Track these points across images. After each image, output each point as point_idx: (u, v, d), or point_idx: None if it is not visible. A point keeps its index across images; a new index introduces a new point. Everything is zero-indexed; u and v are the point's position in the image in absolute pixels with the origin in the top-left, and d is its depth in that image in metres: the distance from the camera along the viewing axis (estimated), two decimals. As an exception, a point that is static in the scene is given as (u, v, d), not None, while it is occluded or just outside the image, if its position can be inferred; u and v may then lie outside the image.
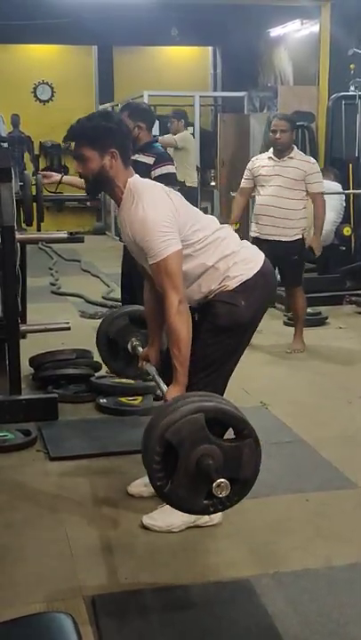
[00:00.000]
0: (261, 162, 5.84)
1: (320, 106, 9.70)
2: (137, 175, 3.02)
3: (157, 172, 4.68)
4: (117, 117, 3.07)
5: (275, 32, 11.83)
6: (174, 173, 4.88)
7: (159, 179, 4.59)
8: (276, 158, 5.73)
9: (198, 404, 2.46)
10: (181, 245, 2.89)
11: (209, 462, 2.38)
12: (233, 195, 8.44)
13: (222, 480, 2.34)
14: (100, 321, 3.79)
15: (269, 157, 5.78)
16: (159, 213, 2.86)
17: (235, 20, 11.94)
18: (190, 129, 11.26)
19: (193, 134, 11.26)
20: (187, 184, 9.74)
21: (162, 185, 3.09)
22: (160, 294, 2.92)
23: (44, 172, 5.03)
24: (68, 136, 3.01)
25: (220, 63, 14.10)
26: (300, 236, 5.73)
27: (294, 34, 11.37)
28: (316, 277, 7.63)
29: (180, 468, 2.41)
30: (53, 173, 5.06)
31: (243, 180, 5.97)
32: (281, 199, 5.66)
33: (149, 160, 4.71)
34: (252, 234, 5.85)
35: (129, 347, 3.56)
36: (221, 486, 2.34)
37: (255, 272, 3.05)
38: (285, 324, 6.38)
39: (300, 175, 5.63)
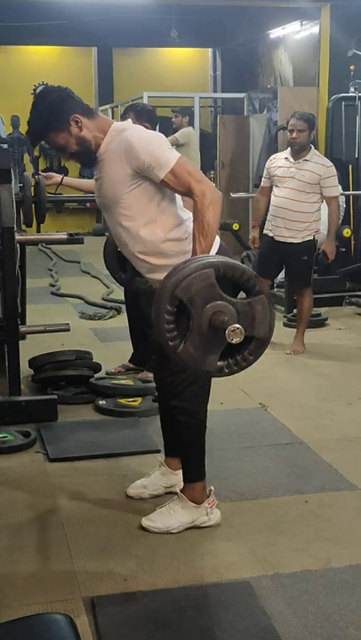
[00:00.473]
0: (278, 162, 5.81)
1: (320, 107, 9.69)
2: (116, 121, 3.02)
3: None
4: (50, 88, 2.97)
5: (274, 33, 11.83)
6: None
7: None
8: (292, 159, 5.70)
9: (207, 261, 2.42)
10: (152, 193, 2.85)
11: (223, 318, 2.33)
12: (233, 196, 8.47)
13: (237, 325, 2.28)
14: (107, 237, 3.71)
15: (286, 158, 5.76)
16: (154, 133, 2.91)
17: (234, 21, 11.96)
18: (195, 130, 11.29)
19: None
20: None
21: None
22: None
23: (46, 174, 5.02)
24: (31, 141, 2.99)
25: (219, 65, 14.11)
26: (312, 238, 5.72)
27: (294, 35, 11.37)
28: (317, 279, 7.61)
29: (192, 327, 2.35)
30: (54, 174, 5.05)
31: (262, 180, 5.98)
32: (294, 202, 5.64)
33: None
34: (267, 232, 5.86)
35: None
36: (236, 332, 2.29)
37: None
38: (285, 325, 6.38)
39: (315, 179, 5.60)
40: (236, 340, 2.31)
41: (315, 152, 5.77)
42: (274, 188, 5.81)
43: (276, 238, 5.76)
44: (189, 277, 2.35)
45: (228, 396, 4.59)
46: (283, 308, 6.77)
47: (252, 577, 2.79)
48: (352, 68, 8.90)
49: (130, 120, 3.00)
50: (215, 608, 2.65)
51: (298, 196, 5.63)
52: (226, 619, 2.59)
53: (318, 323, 6.56)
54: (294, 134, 5.63)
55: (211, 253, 2.77)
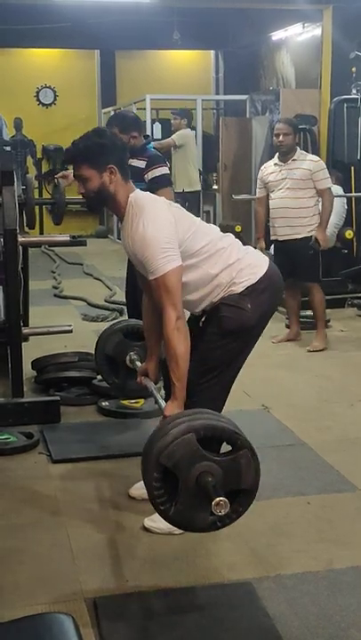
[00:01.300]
0: (268, 169, 6.06)
1: (322, 109, 9.70)
2: (138, 190, 3.05)
3: (150, 174, 4.69)
4: (110, 133, 3.10)
5: (277, 35, 11.83)
6: (167, 174, 4.88)
7: (152, 181, 4.62)
8: (281, 163, 5.93)
9: (187, 425, 2.47)
10: (182, 258, 2.91)
11: (208, 479, 2.39)
12: (235, 198, 8.48)
13: (221, 498, 2.35)
14: (97, 340, 3.81)
15: (275, 164, 6.00)
16: (159, 230, 2.88)
17: (237, 23, 11.96)
18: (192, 132, 11.29)
19: (195, 137, 11.28)
20: (186, 190, 9.73)
21: (162, 199, 3.11)
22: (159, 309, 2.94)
23: (63, 173, 5.04)
24: (65, 160, 3.10)
25: (222, 67, 14.11)
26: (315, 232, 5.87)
27: (296, 37, 11.37)
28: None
29: (181, 490, 2.43)
30: (69, 173, 5.06)
31: (257, 191, 6.19)
32: (292, 200, 5.84)
33: (141, 164, 4.71)
34: (272, 237, 6.06)
35: (127, 361, 3.58)
36: (220, 504, 2.35)
37: (260, 276, 3.06)
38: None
39: (306, 174, 5.80)
40: (222, 512, 2.37)
41: (301, 152, 6.00)
42: (271, 194, 6.01)
43: (281, 238, 5.94)
44: (172, 444, 2.41)
45: (230, 397, 4.55)
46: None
47: (254, 578, 2.79)
48: (354, 69, 8.90)
49: (140, 196, 3.02)
50: (217, 609, 2.66)
51: (294, 194, 5.84)
52: (228, 619, 2.60)
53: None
54: (281, 138, 5.89)
55: (186, 372, 2.88)
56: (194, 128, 11.37)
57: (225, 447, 2.56)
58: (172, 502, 2.45)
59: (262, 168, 6.20)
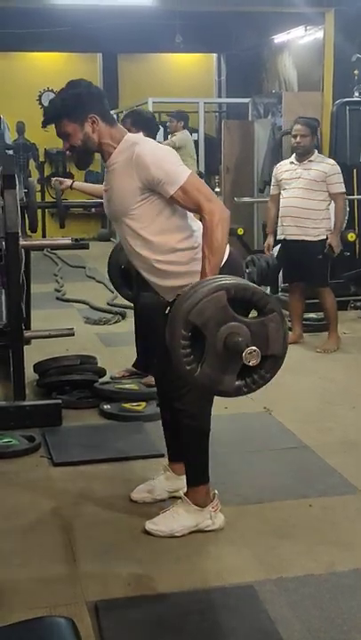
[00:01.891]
0: (284, 167, 6.04)
1: (324, 111, 9.69)
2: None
3: None
4: (86, 83, 3.01)
5: (279, 38, 11.84)
6: None
7: None
8: (297, 162, 5.91)
9: (218, 283, 2.44)
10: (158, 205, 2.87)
11: (238, 339, 2.35)
12: (237, 201, 8.48)
13: (253, 348, 2.31)
14: (111, 251, 3.73)
15: (291, 162, 5.98)
16: (166, 148, 2.92)
17: (239, 26, 11.98)
18: (195, 135, 11.31)
19: (197, 140, 11.29)
20: None
21: None
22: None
23: (59, 179, 5.05)
24: (44, 120, 3.00)
25: (224, 70, 14.12)
26: (325, 237, 5.85)
27: (298, 40, 11.39)
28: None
29: (208, 350, 2.37)
30: (65, 179, 5.07)
31: (271, 188, 6.18)
32: (303, 200, 5.82)
33: None
34: (279, 236, 6.05)
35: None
36: (253, 354, 2.32)
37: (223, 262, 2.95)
38: (289, 329, 6.37)
39: (321, 176, 5.79)
40: (253, 363, 2.36)
41: (318, 154, 5.97)
42: (282, 192, 5.99)
43: (288, 237, 5.95)
44: (202, 302, 2.38)
45: (232, 400, 4.53)
46: (287, 313, 6.76)
47: (256, 581, 2.78)
48: (356, 72, 8.91)
49: (140, 134, 3.01)
50: (219, 612, 2.65)
51: (306, 194, 5.80)
52: (230, 623, 2.60)
53: (323, 327, 6.55)
54: (298, 139, 5.86)
55: (221, 264, 2.80)
56: (195, 130, 11.39)
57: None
58: (198, 362, 2.39)
59: (278, 166, 6.19)
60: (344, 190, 5.93)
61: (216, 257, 2.78)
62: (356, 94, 8.47)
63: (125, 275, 3.63)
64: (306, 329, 6.32)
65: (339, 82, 9.65)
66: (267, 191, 9.63)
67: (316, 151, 5.97)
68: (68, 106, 2.91)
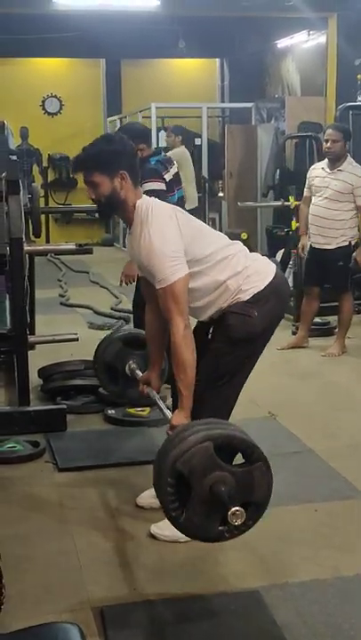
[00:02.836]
0: (316, 172, 6.02)
1: (328, 116, 9.71)
2: (145, 196, 3.05)
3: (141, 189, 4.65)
4: (120, 138, 3.08)
5: (282, 43, 11.86)
6: (160, 190, 4.59)
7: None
8: (328, 169, 5.87)
9: (205, 433, 2.48)
10: (188, 265, 2.91)
11: (222, 489, 2.40)
12: (241, 205, 8.48)
13: (237, 508, 2.36)
14: (96, 349, 3.81)
15: (323, 168, 5.95)
16: (166, 240, 2.89)
17: (242, 31, 11.99)
18: (198, 140, 11.32)
19: (201, 145, 11.30)
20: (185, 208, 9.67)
21: (168, 205, 3.11)
22: (164, 319, 2.95)
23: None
24: (75, 167, 3.06)
25: (227, 75, 14.14)
26: (347, 244, 5.85)
27: (301, 45, 11.40)
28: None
29: (193, 497, 2.43)
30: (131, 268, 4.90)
31: (305, 190, 6.15)
32: (328, 210, 5.82)
33: None
34: (309, 241, 6.07)
35: (127, 370, 3.57)
36: (237, 514, 2.37)
37: (267, 283, 3.06)
38: (294, 333, 6.37)
39: (347, 188, 5.75)
40: (238, 522, 2.39)
41: (350, 162, 5.88)
42: (313, 198, 5.98)
43: (314, 245, 5.99)
44: (189, 452, 2.42)
45: (237, 405, 4.54)
46: (291, 317, 6.76)
47: (262, 586, 2.78)
48: (359, 77, 8.92)
49: (148, 202, 3.02)
50: (225, 617, 2.64)
51: (331, 205, 5.80)
52: (236, 628, 2.59)
53: (327, 331, 6.55)
54: (329, 144, 5.82)
55: (193, 382, 2.91)
56: (197, 134, 11.39)
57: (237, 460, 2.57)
58: (183, 509, 2.44)
59: (311, 168, 6.17)
60: None
61: (187, 375, 2.88)
62: (360, 99, 8.47)
63: (111, 371, 3.68)
64: (311, 333, 6.32)
65: (342, 86, 9.68)
66: (270, 196, 9.66)
67: (349, 156, 5.89)
68: (101, 160, 2.95)
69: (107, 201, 2.98)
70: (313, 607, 2.66)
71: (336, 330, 6.55)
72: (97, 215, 3.23)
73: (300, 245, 6.30)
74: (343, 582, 2.82)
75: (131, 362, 3.57)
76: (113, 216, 3.15)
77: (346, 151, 5.88)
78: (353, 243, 5.87)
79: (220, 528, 2.47)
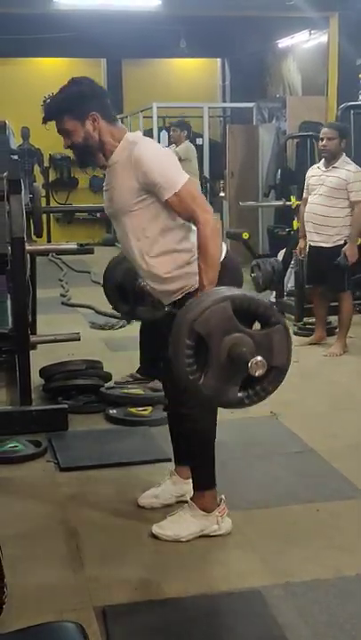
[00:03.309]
0: (312, 172, 6.07)
1: (329, 116, 9.70)
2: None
3: None
4: (88, 81, 3.03)
5: (283, 43, 11.86)
6: None
7: None
8: (323, 167, 5.90)
9: (224, 294, 2.44)
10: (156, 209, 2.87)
11: (242, 349, 2.35)
12: (242, 205, 8.48)
13: (259, 358, 2.31)
14: (106, 268, 3.77)
15: (318, 167, 5.99)
16: (165, 150, 2.92)
17: (243, 31, 12.00)
18: (199, 140, 11.31)
19: (202, 145, 11.29)
20: None
21: None
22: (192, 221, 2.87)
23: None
24: (45, 116, 2.99)
25: (228, 74, 14.14)
26: (343, 242, 5.85)
27: (303, 44, 11.40)
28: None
29: (212, 360, 2.37)
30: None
31: (303, 191, 6.18)
32: (323, 207, 5.83)
33: None
34: (307, 240, 6.08)
35: (137, 287, 3.53)
36: (259, 364, 2.31)
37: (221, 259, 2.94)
38: (295, 333, 6.36)
39: (342, 184, 5.75)
40: (259, 373, 2.36)
41: (345, 159, 5.88)
42: (309, 197, 6.00)
43: (311, 243, 6.00)
44: (207, 311, 2.38)
45: (238, 404, 4.59)
46: (293, 317, 6.77)
47: (264, 586, 2.78)
48: (361, 76, 8.92)
49: (139, 133, 3.00)
50: (226, 617, 2.64)
51: (326, 202, 5.80)
52: (237, 628, 2.59)
53: (329, 331, 6.54)
54: (324, 142, 5.83)
55: (216, 276, 2.78)
56: (198, 134, 11.39)
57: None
58: (201, 372, 2.39)
59: (309, 170, 6.21)
60: None
61: (213, 269, 2.79)
62: (361, 98, 8.48)
63: (121, 290, 3.65)
64: (311, 333, 6.32)
65: (343, 86, 9.67)
66: (271, 195, 9.67)
67: (344, 155, 5.90)
68: (69, 102, 2.92)
69: (82, 146, 2.94)
70: (314, 607, 2.66)
71: (337, 330, 6.56)
72: (77, 163, 3.14)
73: (298, 248, 6.30)
74: (345, 582, 2.82)
75: (140, 279, 3.53)
76: (92, 160, 3.06)
77: (341, 149, 5.87)
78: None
79: (239, 394, 2.43)
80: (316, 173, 5.96)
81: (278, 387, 2.49)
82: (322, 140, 5.86)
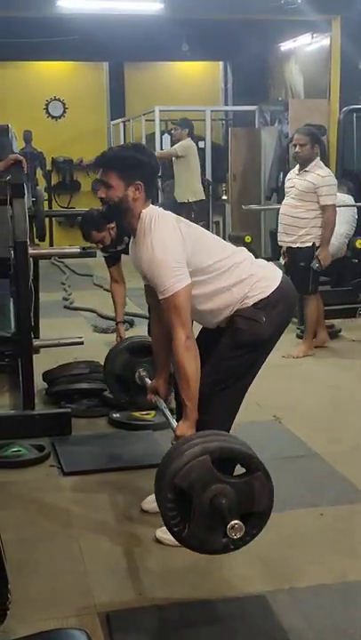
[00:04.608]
0: (289, 175, 6.19)
1: (331, 118, 9.72)
2: (151, 206, 3.04)
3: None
4: (149, 152, 3.10)
5: (285, 46, 11.87)
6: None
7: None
8: (297, 171, 5.99)
9: (202, 447, 2.48)
10: (192, 275, 2.91)
11: (222, 501, 2.40)
12: (244, 208, 8.48)
13: (236, 522, 2.37)
14: (105, 359, 3.86)
15: (293, 171, 6.09)
16: (168, 251, 2.89)
17: (245, 34, 11.99)
18: (202, 143, 11.31)
19: (204, 148, 11.29)
20: (191, 200, 9.68)
21: (172, 215, 3.09)
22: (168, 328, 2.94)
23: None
24: (97, 161, 3.04)
25: (230, 77, 14.15)
26: (310, 245, 5.86)
27: (305, 47, 11.41)
28: (329, 290, 7.61)
29: (194, 511, 2.43)
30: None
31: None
32: (291, 208, 5.92)
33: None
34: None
35: (137, 378, 3.62)
36: (235, 528, 2.37)
37: (274, 289, 3.05)
38: (298, 336, 6.36)
39: (310, 188, 5.81)
40: (237, 536, 2.40)
41: (318, 164, 5.94)
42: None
43: (281, 244, 6.08)
44: (187, 466, 2.43)
45: (242, 408, 4.53)
46: (296, 320, 6.75)
47: (268, 591, 2.77)
48: (363, 79, 8.91)
49: (153, 214, 3.01)
50: (231, 622, 2.64)
51: (295, 204, 5.90)
52: (241, 633, 2.59)
53: (331, 334, 6.54)
54: (297, 148, 5.93)
55: (196, 393, 2.89)
56: (201, 137, 11.39)
57: (238, 471, 2.57)
58: (185, 524, 2.45)
59: (288, 174, 6.32)
60: (333, 202, 5.88)
61: (190, 390, 2.87)
62: (363, 101, 8.48)
63: (120, 381, 3.73)
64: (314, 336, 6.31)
65: (345, 89, 9.69)
66: (274, 198, 9.67)
67: (318, 159, 5.95)
68: (124, 162, 2.96)
69: (115, 205, 2.98)
70: (319, 612, 2.65)
71: (340, 332, 6.57)
72: (103, 215, 3.21)
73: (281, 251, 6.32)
74: (349, 587, 2.81)
75: (140, 370, 3.59)
76: (115, 220, 3.14)
77: (315, 154, 5.96)
78: (317, 244, 5.87)
79: (224, 540, 2.47)
80: (290, 177, 6.08)
81: (262, 529, 2.54)
82: (295, 146, 5.96)
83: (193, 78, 14.13)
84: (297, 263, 5.86)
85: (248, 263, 3.09)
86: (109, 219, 3.14)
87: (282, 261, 6.32)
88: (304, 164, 5.89)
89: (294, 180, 5.95)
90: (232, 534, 2.38)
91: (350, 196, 7.68)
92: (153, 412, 4.52)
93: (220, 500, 2.41)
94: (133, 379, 3.64)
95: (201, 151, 11.22)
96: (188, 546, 2.55)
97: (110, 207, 3.01)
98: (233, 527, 2.37)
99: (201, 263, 2.97)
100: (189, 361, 2.86)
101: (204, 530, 2.45)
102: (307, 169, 5.86)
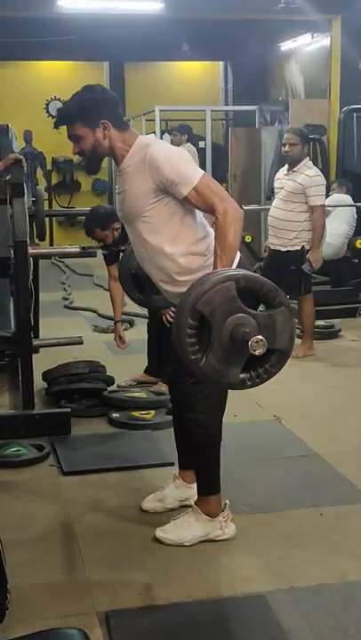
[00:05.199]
0: (278, 175, 6.12)
1: (331, 118, 9.71)
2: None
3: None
4: (101, 88, 3.04)
5: (285, 46, 11.87)
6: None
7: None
8: (286, 171, 5.95)
9: (227, 274, 2.44)
10: (172, 205, 2.87)
11: (245, 330, 2.34)
12: (245, 208, 8.46)
13: (259, 337, 2.30)
14: (121, 257, 3.81)
15: (283, 171, 6.03)
16: (178, 149, 2.91)
17: (245, 34, 11.99)
18: (202, 143, 11.32)
19: (205, 148, 11.29)
20: None
21: None
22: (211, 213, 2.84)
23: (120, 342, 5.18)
24: (57, 121, 3.03)
25: (230, 77, 14.15)
26: (300, 247, 5.83)
27: (305, 47, 11.40)
28: (329, 290, 7.62)
29: (214, 341, 2.36)
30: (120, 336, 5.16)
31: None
32: (281, 210, 5.88)
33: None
34: (266, 243, 6.16)
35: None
36: (259, 343, 2.31)
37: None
38: (298, 336, 6.35)
39: (298, 189, 5.78)
40: (259, 352, 2.33)
41: (307, 164, 5.90)
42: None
43: (270, 246, 6.04)
44: (210, 291, 2.36)
45: (242, 408, 4.57)
46: (296, 320, 6.75)
47: (268, 591, 2.76)
48: (363, 79, 8.91)
49: (152, 135, 3.00)
50: (230, 622, 2.63)
51: (284, 206, 5.85)
52: (241, 633, 2.58)
53: (332, 334, 6.54)
54: (287, 147, 5.89)
55: (232, 264, 2.78)
56: (201, 137, 11.39)
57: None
58: (203, 353, 2.38)
59: (277, 173, 6.25)
60: (322, 203, 5.87)
61: (228, 256, 2.76)
62: (364, 101, 8.47)
63: (136, 278, 3.68)
64: (314, 337, 6.30)
65: (346, 89, 9.68)
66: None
67: (307, 159, 5.93)
68: (81, 109, 2.92)
69: (91, 153, 2.95)
70: (319, 612, 2.64)
71: (340, 332, 6.57)
72: (85, 169, 3.15)
73: (264, 247, 6.33)
74: (350, 587, 2.80)
75: None
76: (99, 166, 3.06)
77: (305, 154, 5.94)
78: (307, 247, 5.82)
79: (242, 375, 2.42)
80: (280, 177, 6.03)
81: (281, 369, 2.47)
82: (284, 145, 5.92)
83: (193, 78, 14.13)
84: (287, 266, 5.81)
85: (211, 240, 2.95)
86: (93, 169, 3.02)
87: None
88: (293, 163, 5.85)
89: (283, 180, 5.92)
90: (255, 349, 2.30)
91: (349, 196, 7.69)
92: (153, 412, 4.52)
93: (241, 329, 2.34)
94: (148, 277, 3.57)
95: (201, 151, 11.22)
96: (205, 376, 2.47)
97: (88, 157, 2.97)
98: (257, 341, 2.30)
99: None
100: (235, 233, 2.73)
101: (223, 361, 2.38)
102: (295, 169, 5.83)
